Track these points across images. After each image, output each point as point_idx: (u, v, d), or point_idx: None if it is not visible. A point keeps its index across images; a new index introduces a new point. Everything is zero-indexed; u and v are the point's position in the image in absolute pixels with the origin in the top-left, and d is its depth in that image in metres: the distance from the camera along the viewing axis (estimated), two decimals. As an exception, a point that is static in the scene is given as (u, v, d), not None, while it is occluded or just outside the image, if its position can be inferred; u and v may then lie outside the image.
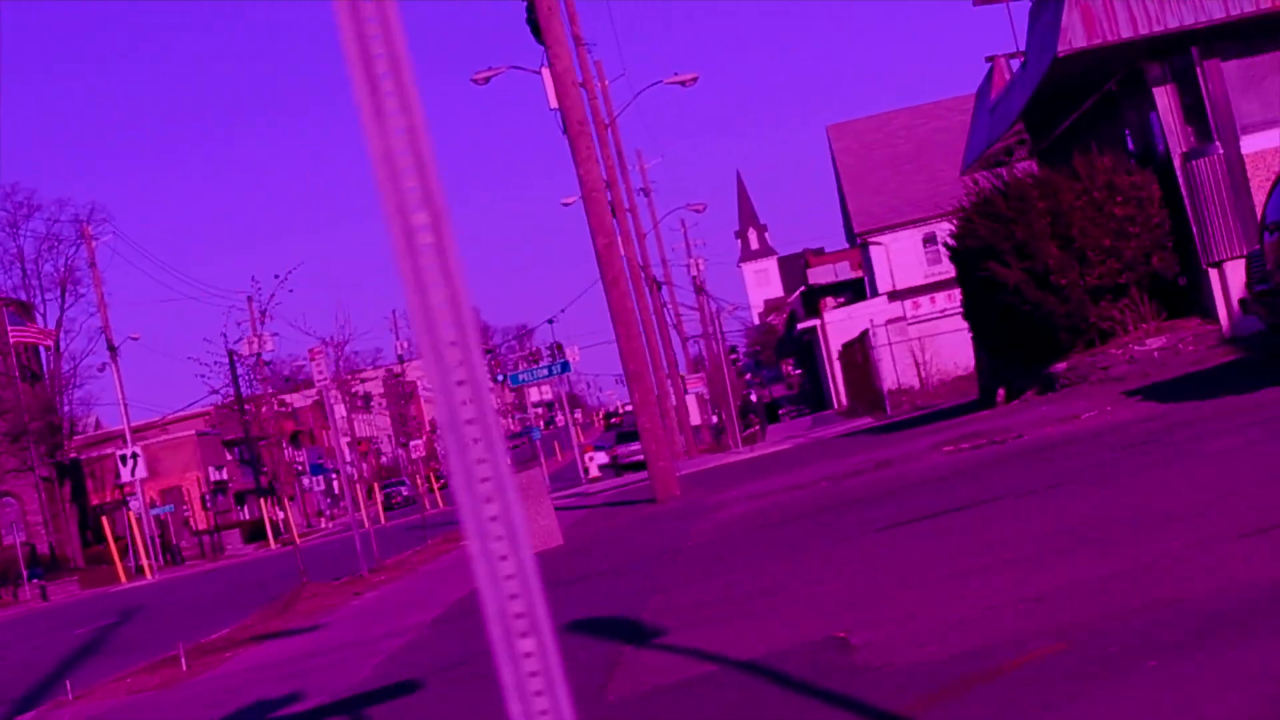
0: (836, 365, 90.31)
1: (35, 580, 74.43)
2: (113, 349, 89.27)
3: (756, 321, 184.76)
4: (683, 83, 63.80)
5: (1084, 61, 30.43)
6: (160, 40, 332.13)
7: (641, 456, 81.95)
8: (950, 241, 37.94)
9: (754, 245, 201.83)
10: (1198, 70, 30.01)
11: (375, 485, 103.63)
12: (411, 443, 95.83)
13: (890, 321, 75.29)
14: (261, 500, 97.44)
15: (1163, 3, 29.35)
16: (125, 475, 69.71)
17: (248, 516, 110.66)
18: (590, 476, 67.38)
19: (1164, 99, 30.67)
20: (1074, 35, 29.43)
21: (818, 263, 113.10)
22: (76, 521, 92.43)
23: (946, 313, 79.28)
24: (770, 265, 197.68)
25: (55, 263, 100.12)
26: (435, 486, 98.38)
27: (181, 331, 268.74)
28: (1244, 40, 29.88)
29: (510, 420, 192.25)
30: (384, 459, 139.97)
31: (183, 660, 22.40)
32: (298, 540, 34.42)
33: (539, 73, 61.82)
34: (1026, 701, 6.86)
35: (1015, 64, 39.39)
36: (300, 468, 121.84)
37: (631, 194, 76.83)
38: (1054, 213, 31.62)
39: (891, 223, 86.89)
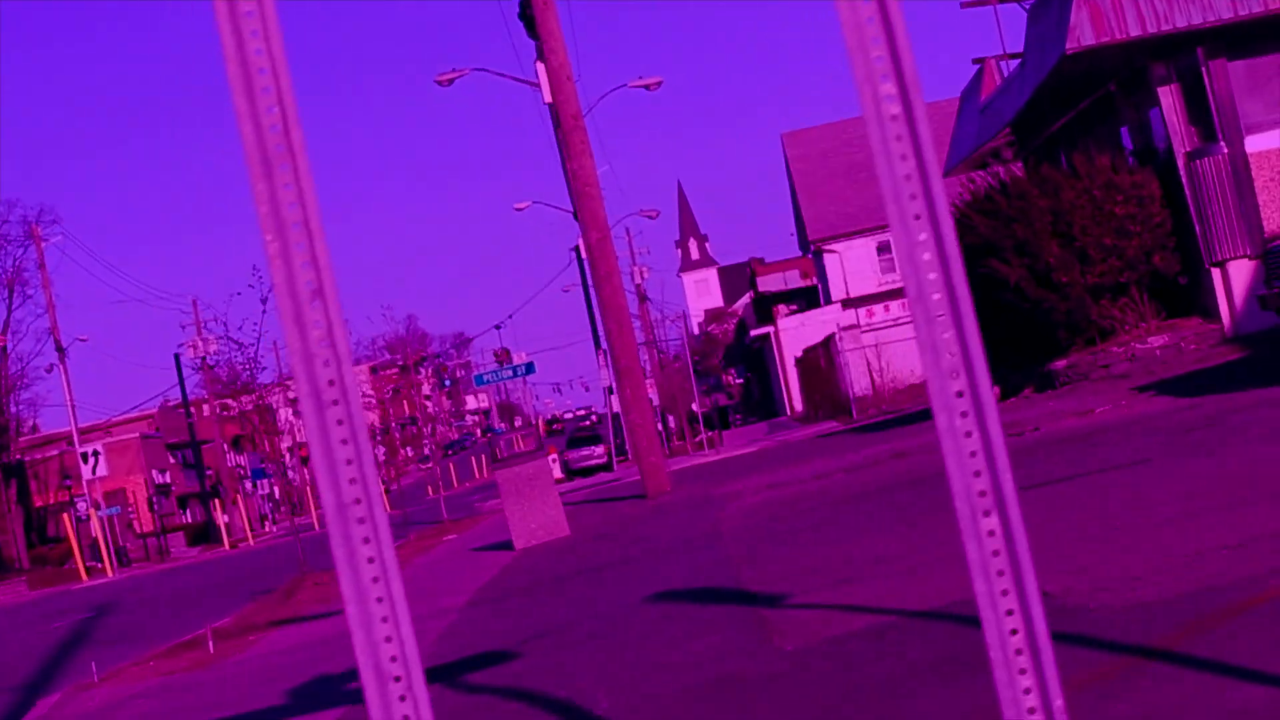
0: (791, 372, 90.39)
1: (-20, 581, 73.81)
2: (61, 350, 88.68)
3: (696, 331, 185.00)
4: (647, 86, 63.65)
5: (1089, 60, 30.55)
6: (110, 41, 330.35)
7: (593, 461, 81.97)
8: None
9: (694, 255, 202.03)
10: (1203, 70, 30.16)
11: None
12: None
13: (845, 329, 75.43)
14: (211, 503, 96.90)
15: (1171, 2, 29.50)
16: (86, 473, 69.15)
17: (190, 520, 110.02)
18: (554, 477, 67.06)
19: (1168, 98, 30.81)
20: (1082, 33, 29.54)
21: (766, 271, 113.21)
22: (21, 523, 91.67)
23: (900, 321, 79.54)
24: (710, 275, 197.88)
25: (2, 264, 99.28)
26: (383, 491, 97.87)
27: (127, 334, 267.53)
28: (1249, 40, 30.05)
29: (448, 428, 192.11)
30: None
31: (210, 643, 22.21)
32: (296, 534, 34.08)
33: (504, 75, 61.68)
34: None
35: (1005, 65, 39.54)
36: (242, 472, 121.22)
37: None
38: (1055, 211, 31.72)
39: (845, 230, 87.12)
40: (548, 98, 36.00)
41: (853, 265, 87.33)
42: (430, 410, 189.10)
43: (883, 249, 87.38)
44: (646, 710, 9.03)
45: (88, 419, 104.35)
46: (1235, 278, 30.18)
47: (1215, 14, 29.35)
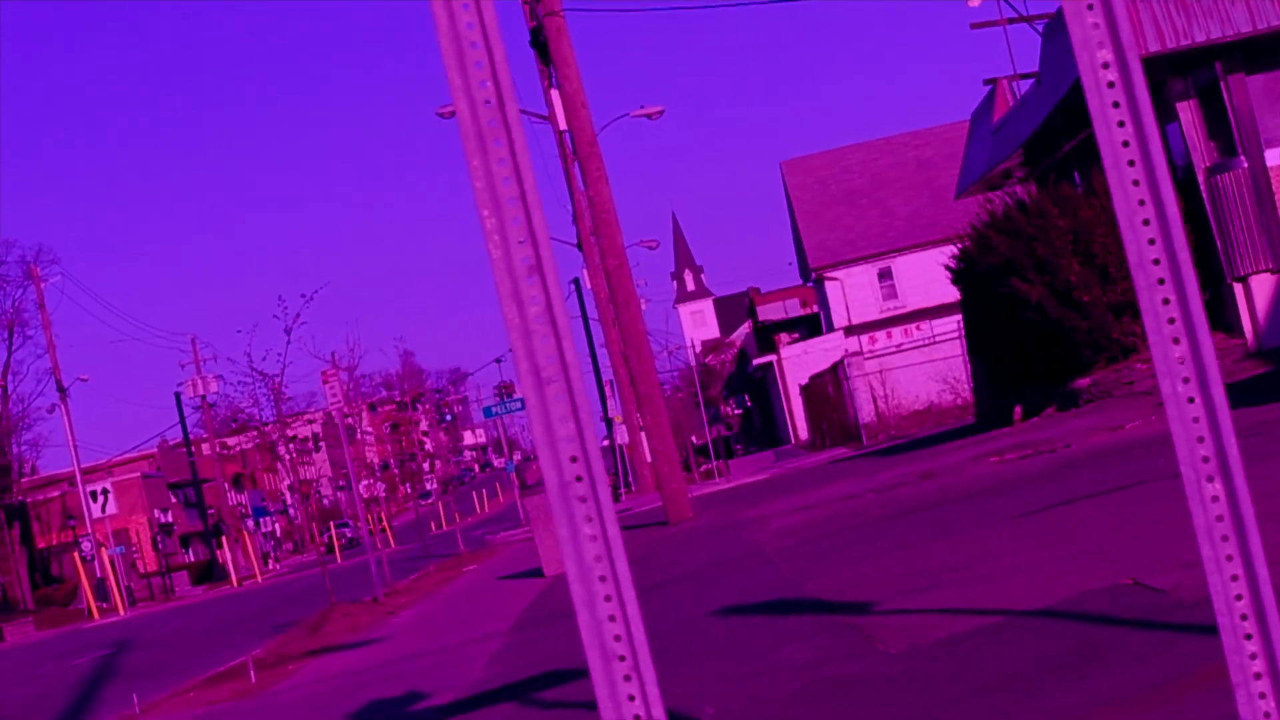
0: (795, 400, 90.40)
1: (-12, 622, 73.61)
2: (62, 390, 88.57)
3: (694, 362, 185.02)
4: (649, 116, 63.66)
5: (1107, 77, 30.54)
6: (108, 85, 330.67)
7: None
8: (953, 263, 37.99)
9: (690, 286, 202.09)
10: (1221, 84, 30.20)
11: (331, 525, 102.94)
12: (364, 482, 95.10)
13: (851, 355, 75.51)
14: (216, 540, 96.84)
15: (1190, 17, 29.54)
16: (95, 512, 69.01)
17: (193, 559, 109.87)
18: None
19: (1187, 114, 30.84)
20: (1102, 50, 29.53)
21: (764, 301, 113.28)
22: (25, 564, 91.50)
23: (902, 347, 79.61)
24: (706, 306, 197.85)
25: (2, 305, 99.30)
26: (386, 527, 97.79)
27: (124, 373, 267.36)
28: (1268, 54, 30.09)
29: (446, 463, 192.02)
30: (325, 501, 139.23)
31: (251, 672, 22.13)
32: (323, 565, 34.00)
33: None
34: None
35: (1017, 86, 39.60)
36: (243, 510, 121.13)
37: (588, 230, 76.52)
38: (1074, 229, 31.72)
39: (847, 257, 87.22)
40: (562, 124, 36.06)
41: (854, 292, 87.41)
42: (429, 447, 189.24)
43: (884, 275, 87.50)
44: (759, 713, 8.99)
45: (88, 459, 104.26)
46: (1258, 292, 30.18)
47: (1234, 28, 29.39)
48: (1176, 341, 4.42)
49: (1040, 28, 37.48)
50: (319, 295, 33.76)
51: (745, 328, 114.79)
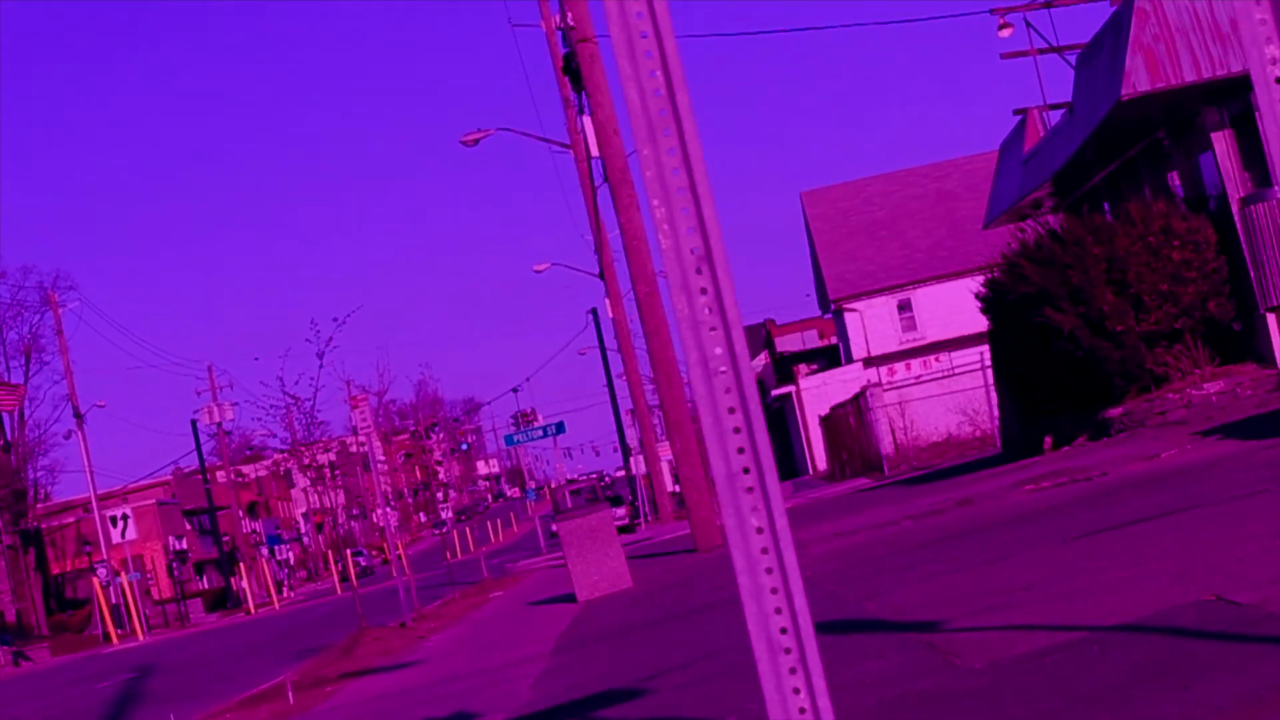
0: (814, 431, 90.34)
1: (5, 647, 73.40)
2: (79, 416, 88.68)
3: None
4: (672, 145, 63.51)
5: (1142, 107, 30.58)
6: (130, 112, 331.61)
7: (625, 521, 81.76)
8: (983, 291, 37.96)
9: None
10: (1257, 115, 30.12)
11: (347, 553, 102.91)
12: (379, 510, 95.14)
13: (872, 386, 75.47)
14: (231, 568, 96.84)
15: (1225, 47, 29.54)
16: (115, 536, 69.04)
17: (207, 586, 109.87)
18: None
19: (1221, 144, 30.83)
20: (1138, 79, 29.58)
21: (782, 332, 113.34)
22: (40, 590, 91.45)
23: (921, 379, 79.49)
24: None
25: (20, 330, 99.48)
26: (402, 555, 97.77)
27: (142, 401, 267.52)
28: (1304, 85, 30.04)
29: (460, 493, 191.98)
30: (339, 530, 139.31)
31: (290, 694, 22.09)
32: (354, 589, 33.96)
33: (529, 135, 61.73)
34: None
35: (1047, 116, 39.61)
36: (257, 538, 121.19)
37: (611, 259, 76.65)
38: (1109, 258, 31.68)
39: (866, 289, 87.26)
40: (594, 151, 36.02)
41: (874, 324, 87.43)
42: (442, 476, 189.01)
43: (903, 307, 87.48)
44: (846, 727, 8.94)
45: (103, 485, 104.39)
46: (1292, 323, 30.15)
47: (1271, 58, 29.36)
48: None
49: (1071, 58, 37.51)
50: (349, 320, 33.77)
51: (761, 359, 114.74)
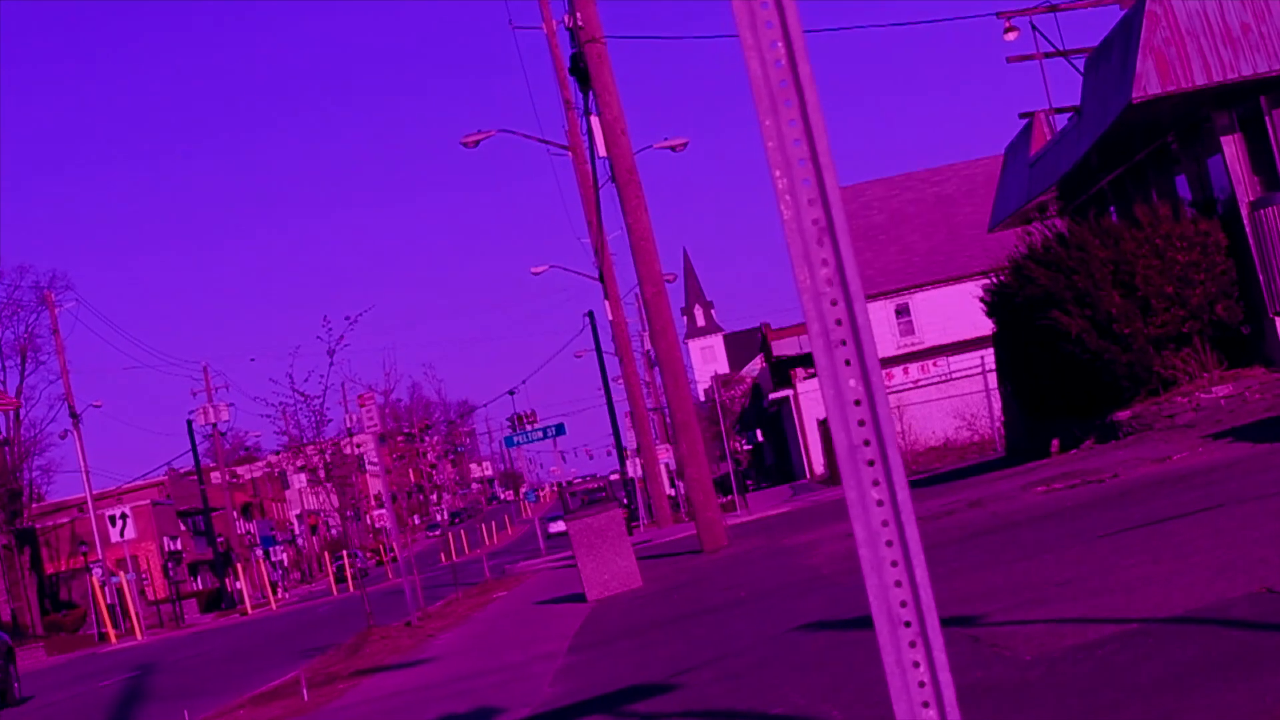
0: (813, 434, 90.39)
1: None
2: (75, 416, 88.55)
3: (702, 398, 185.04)
4: (673, 147, 63.54)
5: (1152, 110, 30.58)
6: (127, 112, 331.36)
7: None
8: (987, 295, 37.98)
9: (700, 322, 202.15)
10: (1266, 119, 30.20)
11: (344, 554, 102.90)
12: (375, 512, 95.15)
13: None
14: (226, 569, 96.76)
15: (1236, 50, 29.55)
16: (114, 535, 68.95)
17: (201, 586, 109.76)
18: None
19: (1231, 148, 30.85)
20: (1148, 82, 29.58)
21: (778, 336, 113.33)
22: (35, 589, 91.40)
23: (920, 383, 79.53)
24: (716, 342, 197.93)
25: (16, 330, 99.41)
26: (397, 557, 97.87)
27: (138, 401, 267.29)
28: (1314, 89, 30.13)
29: (454, 496, 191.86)
30: (333, 532, 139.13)
31: (304, 690, 22.04)
32: (362, 588, 33.88)
33: (530, 137, 61.68)
34: None
35: (1054, 120, 39.62)
36: (251, 539, 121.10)
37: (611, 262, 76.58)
38: (1115, 261, 31.70)
39: (865, 293, 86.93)
40: (602, 152, 36.00)
41: (872, 328, 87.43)
42: (436, 479, 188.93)
43: (901, 311, 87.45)
44: None
45: (98, 485, 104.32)
46: (1299, 326, 30.17)
47: (1280, 62, 29.43)
48: None
49: (1077, 62, 37.53)
50: (361, 319, 33.71)
51: (756, 363, 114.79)
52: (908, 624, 4.35)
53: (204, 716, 22.47)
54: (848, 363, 4.29)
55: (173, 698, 28.77)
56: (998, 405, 51.81)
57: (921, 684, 4.35)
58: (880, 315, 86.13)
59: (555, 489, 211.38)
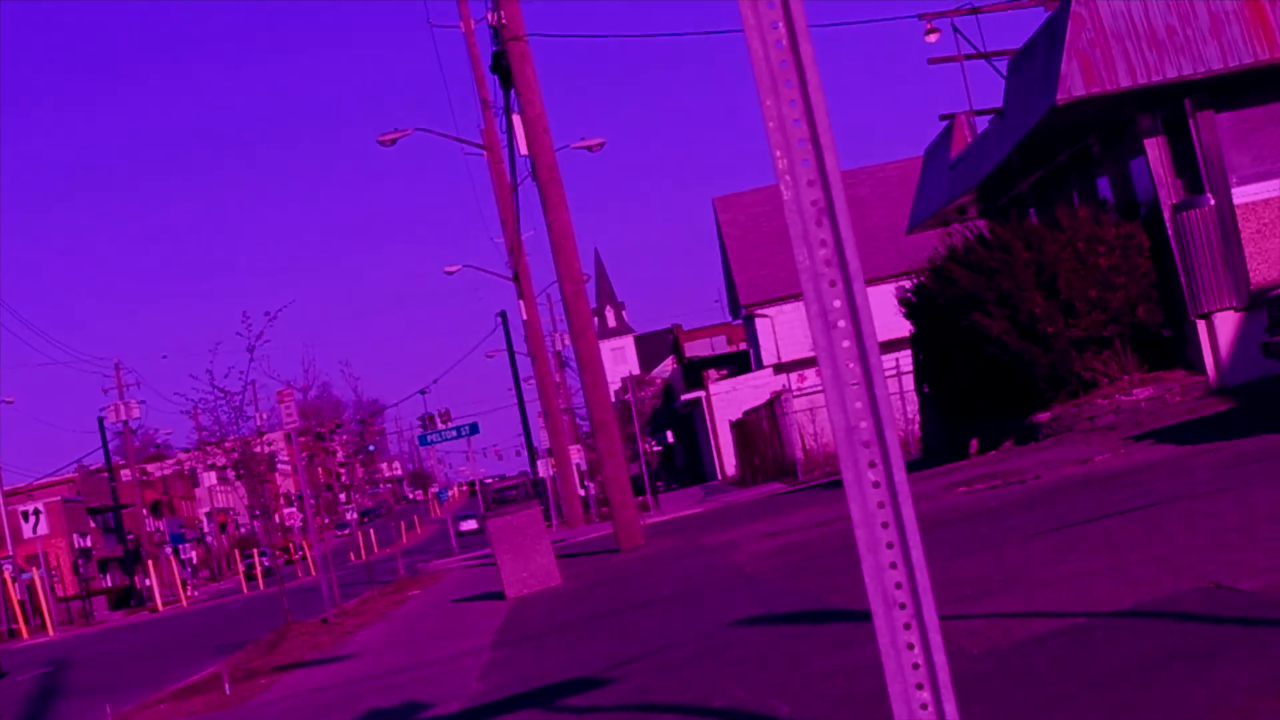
0: (725, 436, 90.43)
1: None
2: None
3: (614, 399, 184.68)
4: (589, 148, 63.39)
5: (1076, 111, 30.69)
6: (26, 105, 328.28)
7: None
8: (907, 296, 38.10)
9: (611, 323, 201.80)
10: (1190, 121, 30.35)
11: (254, 552, 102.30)
12: (285, 510, 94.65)
13: (785, 392, 75.56)
14: (136, 566, 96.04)
15: (1161, 53, 29.70)
16: (27, 531, 68.42)
17: (110, 584, 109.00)
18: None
19: (1154, 150, 30.99)
20: (1073, 84, 29.69)
21: (690, 338, 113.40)
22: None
23: (833, 385, 79.51)
24: (627, 343, 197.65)
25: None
26: (307, 555, 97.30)
27: (49, 397, 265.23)
28: (1236, 92, 30.26)
29: (363, 495, 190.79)
30: (242, 530, 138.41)
31: (226, 685, 21.90)
32: (281, 584, 33.71)
33: (446, 136, 61.46)
34: None
35: (974, 122, 39.80)
36: (160, 537, 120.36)
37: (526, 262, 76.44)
38: (1038, 263, 31.83)
39: (778, 295, 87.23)
40: (523, 150, 35.86)
41: (785, 330, 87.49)
42: (344, 479, 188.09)
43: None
44: (844, 712, 8.90)
45: (8, 482, 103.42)
46: (1221, 330, 30.32)
47: (1205, 65, 29.55)
48: None
49: (999, 64, 37.71)
50: (280, 315, 33.51)
51: (668, 364, 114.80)
52: (903, 606, 4.32)
53: (125, 710, 22.27)
54: (846, 343, 4.25)
55: (91, 692, 28.57)
56: (913, 407, 51.92)
57: (916, 665, 4.33)
58: (793, 317, 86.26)
59: (465, 488, 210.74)
